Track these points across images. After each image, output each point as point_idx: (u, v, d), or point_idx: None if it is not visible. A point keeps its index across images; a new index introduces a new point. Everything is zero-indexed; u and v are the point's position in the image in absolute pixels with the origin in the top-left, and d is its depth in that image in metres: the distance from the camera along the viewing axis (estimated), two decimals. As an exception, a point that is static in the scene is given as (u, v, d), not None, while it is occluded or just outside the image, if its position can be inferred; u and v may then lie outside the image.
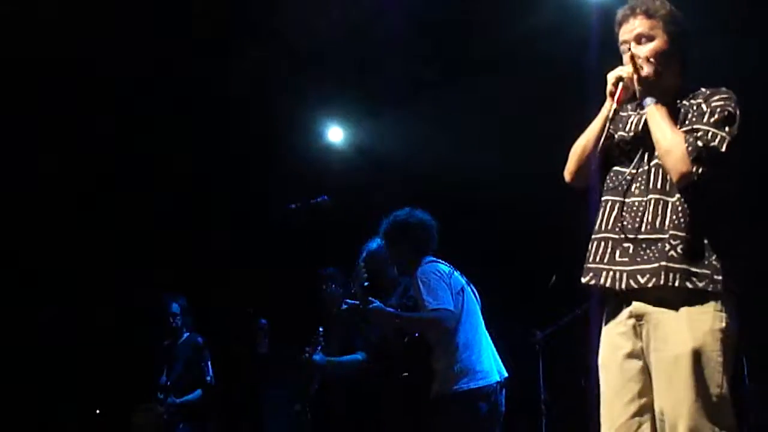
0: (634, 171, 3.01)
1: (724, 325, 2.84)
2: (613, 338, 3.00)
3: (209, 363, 6.90)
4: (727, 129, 2.87)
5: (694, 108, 2.96)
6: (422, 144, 7.36)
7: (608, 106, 2.99)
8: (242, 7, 6.81)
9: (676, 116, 2.97)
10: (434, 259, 5.08)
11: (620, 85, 2.96)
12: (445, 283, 4.89)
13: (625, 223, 2.95)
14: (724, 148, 2.84)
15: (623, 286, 2.91)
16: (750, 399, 5.60)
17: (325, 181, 7.01)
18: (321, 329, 5.94)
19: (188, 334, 7.07)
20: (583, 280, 3.04)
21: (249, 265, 7.86)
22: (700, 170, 2.81)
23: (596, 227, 3.06)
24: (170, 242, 8.04)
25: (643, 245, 2.89)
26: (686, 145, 2.84)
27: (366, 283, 4.97)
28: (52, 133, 7.52)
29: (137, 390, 7.20)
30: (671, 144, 2.87)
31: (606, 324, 3.05)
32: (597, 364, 3.08)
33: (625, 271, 2.91)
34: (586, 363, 6.09)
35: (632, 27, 3.03)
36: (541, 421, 5.78)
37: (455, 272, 5.01)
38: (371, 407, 5.79)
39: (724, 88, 2.99)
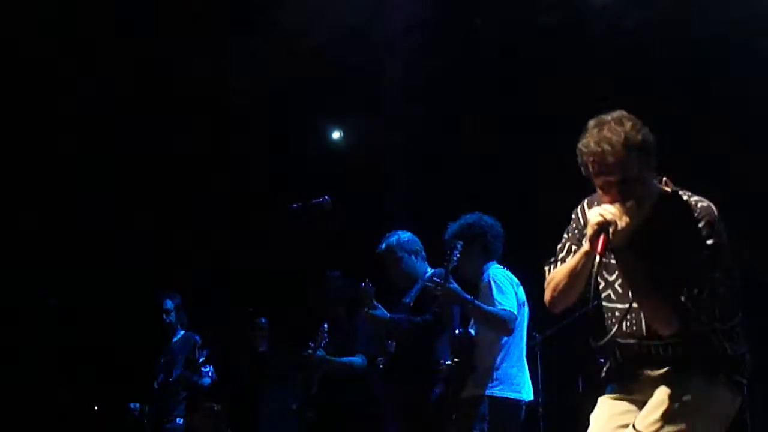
0: (623, 286, 2.90)
1: (723, 408, 2.84)
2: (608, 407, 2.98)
3: (211, 367, 6.90)
4: (715, 268, 2.77)
5: (679, 236, 2.80)
6: (424, 144, 7.37)
7: (587, 253, 2.81)
8: (243, 5, 6.83)
9: (660, 235, 2.83)
10: (500, 266, 5.13)
11: (602, 235, 2.74)
12: (514, 290, 4.98)
13: (629, 329, 2.88)
14: (716, 292, 2.76)
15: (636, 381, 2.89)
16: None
17: (327, 182, 7.02)
18: (326, 325, 5.93)
19: (183, 332, 7.08)
20: (603, 378, 3.03)
21: (249, 264, 7.87)
22: (694, 324, 2.75)
23: (606, 327, 2.95)
24: (170, 241, 8.04)
25: (652, 347, 2.86)
26: (674, 310, 2.74)
27: (455, 264, 4.86)
28: (50, 134, 7.52)
29: (133, 386, 7.20)
30: (654, 308, 2.78)
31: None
32: (595, 366, 3.10)
33: (642, 373, 2.88)
34: (584, 366, 6.12)
35: (612, 167, 2.77)
36: (538, 424, 5.77)
37: (520, 286, 5.08)
38: (371, 408, 5.80)
39: (699, 205, 2.83)
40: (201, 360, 6.84)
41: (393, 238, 5.45)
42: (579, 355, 6.23)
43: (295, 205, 5.20)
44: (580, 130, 2.96)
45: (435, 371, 5.08)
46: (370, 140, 7.86)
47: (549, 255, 3.10)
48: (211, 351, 6.97)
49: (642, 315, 2.84)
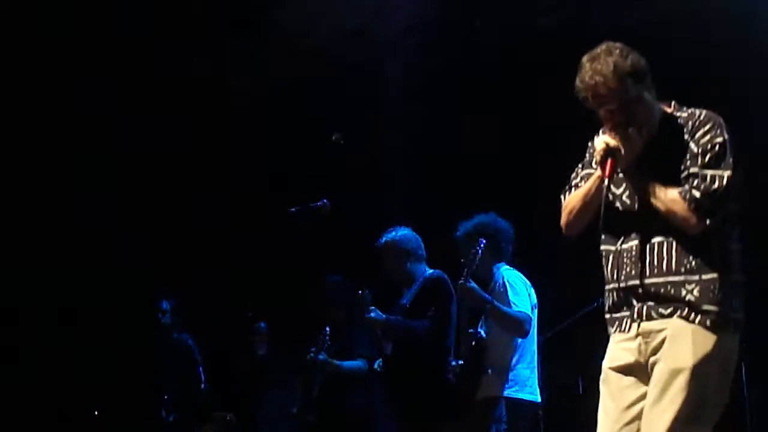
0: (628, 218, 2.99)
1: (728, 354, 2.87)
2: (618, 352, 3.01)
3: (201, 368, 6.91)
4: (722, 164, 2.84)
5: (684, 146, 2.90)
6: (424, 145, 7.35)
7: (599, 178, 2.94)
8: (243, 5, 6.82)
9: (664, 153, 2.94)
10: (509, 267, 5.15)
11: (609, 158, 2.89)
12: (527, 293, 5.04)
13: (631, 270, 2.94)
14: (724, 187, 2.82)
15: (644, 319, 2.91)
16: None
17: (326, 185, 7.01)
18: (327, 329, 5.93)
19: (177, 335, 7.09)
20: (609, 330, 3.05)
21: (249, 267, 7.86)
22: (707, 218, 2.81)
23: (605, 279, 3.06)
24: (170, 242, 8.03)
25: (653, 289, 2.90)
26: (685, 199, 2.82)
27: (476, 264, 4.87)
28: (50, 134, 7.52)
29: (133, 391, 7.21)
30: (669, 204, 2.85)
31: (613, 335, 3.05)
32: (596, 368, 3.11)
33: (645, 306, 2.92)
34: (585, 367, 6.11)
35: (606, 98, 2.89)
36: (539, 426, 5.76)
37: (532, 288, 5.11)
38: (370, 411, 5.80)
39: (703, 114, 2.94)
40: (196, 369, 6.87)
41: (394, 234, 5.44)
42: (579, 357, 6.24)
43: (294, 209, 5.21)
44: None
45: (433, 371, 5.10)
46: (369, 141, 7.84)
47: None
48: (203, 354, 6.99)
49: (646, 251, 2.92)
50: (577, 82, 2.94)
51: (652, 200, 2.89)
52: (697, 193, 2.81)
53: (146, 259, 8.02)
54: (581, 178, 3.14)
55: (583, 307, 5.74)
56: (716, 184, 2.81)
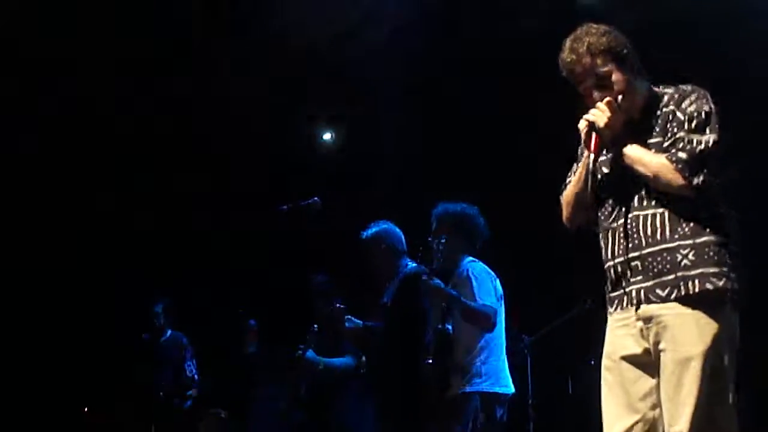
0: (619, 194, 3.04)
1: (731, 329, 2.89)
2: (618, 339, 3.02)
3: (194, 362, 6.94)
4: (708, 129, 2.90)
5: (669, 118, 2.97)
6: (415, 144, 7.36)
7: (587, 157, 3.00)
8: (236, 5, 6.81)
9: (650, 128, 3.00)
10: (474, 259, 5.12)
11: (593, 134, 2.96)
12: (492, 285, 5.01)
13: (627, 243, 2.98)
14: (710, 149, 2.86)
15: (644, 303, 2.93)
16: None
17: (316, 183, 7.01)
18: (315, 327, 5.94)
19: (171, 332, 7.12)
20: (609, 310, 3.07)
21: (239, 265, 7.86)
22: (694, 179, 2.85)
23: (603, 259, 3.10)
24: (160, 241, 8.03)
25: (650, 259, 2.92)
26: (672, 162, 2.87)
27: (438, 265, 4.91)
28: (50, 133, 7.50)
29: (121, 386, 7.22)
30: (656, 167, 2.90)
31: (611, 323, 3.07)
32: (583, 369, 3.12)
33: (642, 288, 2.94)
34: (573, 367, 6.12)
35: (583, 75, 3.01)
36: (529, 425, 5.77)
37: (497, 279, 5.10)
38: (359, 408, 5.81)
39: (689, 87, 3.01)
40: (188, 364, 6.89)
41: (378, 228, 5.44)
42: (568, 357, 6.26)
43: (284, 207, 5.20)
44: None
45: (413, 372, 5.00)
46: (361, 141, 7.85)
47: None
48: (195, 350, 7.02)
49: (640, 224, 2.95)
50: (559, 60, 3.06)
51: (639, 168, 2.94)
52: (683, 155, 2.86)
53: (140, 258, 8.01)
54: (573, 172, 3.19)
55: (572, 308, 5.78)
56: (702, 146, 2.87)
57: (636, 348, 2.95)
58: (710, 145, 2.87)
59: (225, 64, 7.04)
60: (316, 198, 5.30)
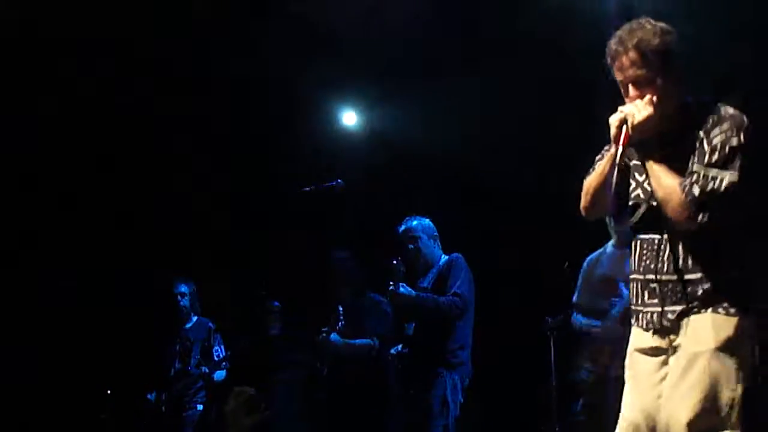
0: (647, 206, 3.01)
1: (746, 338, 2.88)
2: (642, 336, 3.04)
3: (221, 347, 6.93)
4: (728, 167, 2.80)
5: (697, 145, 2.87)
6: (436, 128, 7.32)
7: (614, 151, 2.91)
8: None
9: (674, 142, 2.92)
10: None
11: (624, 128, 2.87)
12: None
13: (648, 262, 2.98)
14: (723, 189, 2.78)
15: (656, 326, 2.96)
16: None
17: (339, 165, 7.01)
18: (341, 309, 5.98)
19: (196, 318, 7.10)
20: (632, 321, 3.09)
21: (262, 248, 7.87)
22: (699, 216, 2.80)
23: (629, 266, 3.10)
24: (184, 225, 8.04)
25: (669, 286, 2.93)
26: (683, 192, 2.80)
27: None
28: (53, 130, 7.52)
29: (147, 371, 7.23)
30: (666, 193, 2.85)
31: (634, 327, 3.09)
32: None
33: (655, 312, 2.96)
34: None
35: (626, 68, 2.92)
36: (552, 407, 5.77)
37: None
38: (381, 389, 5.83)
39: (728, 112, 2.88)
40: (216, 348, 6.88)
41: (413, 221, 5.62)
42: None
43: (307, 188, 5.22)
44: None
45: (450, 365, 5.28)
46: (382, 124, 7.83)
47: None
48: (224, 336, 7.00)
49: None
50: (607, 46, 2.97)
51: (654, 183, 2.90)
52: (695, 189, 2.79)
53: (161, 242, 8.02)
54: (600, 158, 3.14)
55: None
56: (715, 184, 2.78)
57: (655, 343, 2.98)
58: (725, 184, 2.78)
59: (247, 45, 7.01)
60: (339, 179, 5.32)
